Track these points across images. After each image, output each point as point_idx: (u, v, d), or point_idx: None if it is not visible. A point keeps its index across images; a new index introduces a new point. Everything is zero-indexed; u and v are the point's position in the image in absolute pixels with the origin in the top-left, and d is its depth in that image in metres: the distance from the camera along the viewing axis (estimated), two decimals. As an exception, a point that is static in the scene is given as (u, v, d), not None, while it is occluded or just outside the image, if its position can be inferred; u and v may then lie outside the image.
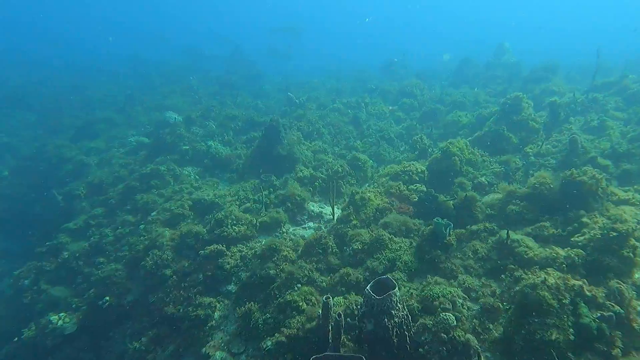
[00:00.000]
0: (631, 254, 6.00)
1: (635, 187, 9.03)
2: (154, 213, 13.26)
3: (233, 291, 9.56)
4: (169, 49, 61.30)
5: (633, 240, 6.15)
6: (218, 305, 9.39)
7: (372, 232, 9.02)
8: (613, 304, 5.34)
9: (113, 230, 13.48)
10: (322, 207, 12.57)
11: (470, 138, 13.20)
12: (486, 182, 10.04)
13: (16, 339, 11.15)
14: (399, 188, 10.43)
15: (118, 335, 10.73)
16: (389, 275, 7.03)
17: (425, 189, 10.01)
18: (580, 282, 5.42)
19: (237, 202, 12.71)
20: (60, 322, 11.24)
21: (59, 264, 12.86)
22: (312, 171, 13.65)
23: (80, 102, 28.64)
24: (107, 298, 11.14)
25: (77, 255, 12.86)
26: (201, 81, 34.98)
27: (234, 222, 11.33)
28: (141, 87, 34.02)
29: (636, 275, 6.21)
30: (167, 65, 44.41)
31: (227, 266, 10.09)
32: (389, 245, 8.45)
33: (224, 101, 24.61)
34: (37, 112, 29.20)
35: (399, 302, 6.03)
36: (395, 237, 8.73)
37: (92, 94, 31.80)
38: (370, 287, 6.17)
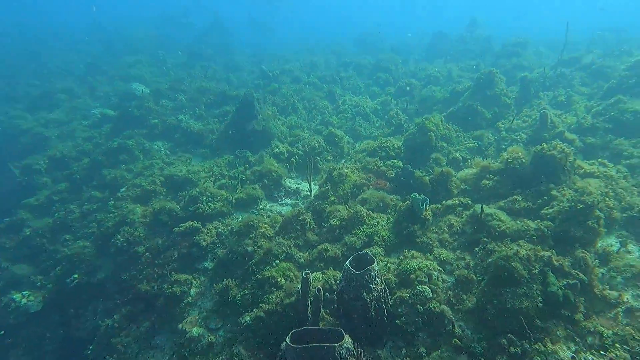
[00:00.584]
0: (595, 224, 6.39)
1: (599, 160, 9.52)
2: (123, 189, 12.73)
3: (210, 268, 9.46)
4: (138, 16, 57.39)
5: (597, 211, 6.53)
6: (194, 282, 9.29)
7: (350, 208, 9.09)
8: (578, 272, 5.72)
9: (79, 207, 12.87)
10: (299, 184, 12.51)
11: (444, 113, 13.37)
12: (460, 158, 10.29)
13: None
14: (376, 164, 10.50)
15: (89, 312, 10.47)
16: (367, 251, 7.16)
17: (401, 165, 10.14)
18: (549, 253, 5.75)
19: (212, 179, 12.40)
20: (24, 301, 10.81)
21: (20, 241, 12.22)
22: (288, 147, 13.47)
23: (37, 71, 26.45)
24: (76, 276, 10.76)
25: (40, 232, 12.24)
26: (169, 51, 33.15)
27: (209, 198, 11.09)
28: (103, 55, 31.80)
29: (599, 244, 6.66)
30: (132, 33, 41.61)
31: (203, 243, 9.93)
32: (367, 221, 8.56)
33: (194, 73, 23.53)
34: (-15, 79, 26.87)
35: (377, 277, 6.18)
36: (372, 212, 8.85)
37: (50, 60, 29.45)
38: (349, 262, 6.27)
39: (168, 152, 15.41)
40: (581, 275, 5.68)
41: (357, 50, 35.23)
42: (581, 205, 6.47)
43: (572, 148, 8.54)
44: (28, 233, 12.06)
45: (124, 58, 28.40)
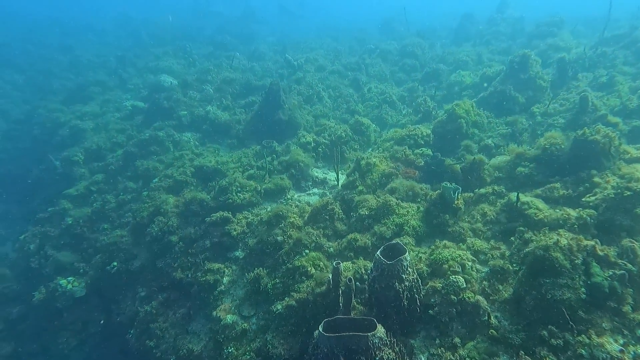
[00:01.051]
0: None
1: None
2: (156, 180, 13.14)
3: (241, 257, 9.69)
4: (164, 6, 58.26)
5: None
6: (226, 270, 9.55)
7: (379, 197, 9.02)
8: (625, 262, 5.46)
9: (115, 197, 13.42)
10: (326, 173, 12.51)
11: (475, 99, 12.92)
12: (492, 145, 9.95)
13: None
14: (404, 152, 10.34)
15: (128, 298, 10.98)
16: (398, 240, 7.12)
17: (431, 153, 9.92)
18: (592, 242, 5.50)
19: (240, 169, 12.58)
20: (69, 286, 11.47)
21: (63, 230, 12.89)
22: (314, 136, 13.46)
23: (70, 63, 27.43)
24: (115, 263, 11.28)
25: (81, 221, 12.87)
26: (194, 42, 33.55)
27: (239, 189, 11.28)
28: (131, 47, 32.55)
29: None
30: (158, 24, 42.32)
31: (234, 233, 10.15)
32: (397, 210, 8.48)
33: (220, 63, 23.72)
34: (25, 73, 28.08)
35: (409, 267, 6.14)
36: (402, 202, 8.75)
37: (82, 53, 30.43)
38: (380, 252, 6.25)
39: (197, 142, 15.73)
40: (629, 265, 5.41)
41: (382, 36, 34.44)
42: (628, 192, 6.13)
43: (617, 132, 8.00)
44: (70, 222, 12.70)
45: (152, 50, 29.02)
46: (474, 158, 8.54)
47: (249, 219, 10.62)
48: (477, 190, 8.23)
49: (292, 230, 9.11)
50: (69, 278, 11.42)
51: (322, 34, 39.87)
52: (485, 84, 14.14)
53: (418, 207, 8.41)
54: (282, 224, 9.31)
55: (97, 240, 12.09)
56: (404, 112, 15.60)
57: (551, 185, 7.52)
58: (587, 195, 6.93)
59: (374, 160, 10.20)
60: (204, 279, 9.33)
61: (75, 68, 26.08)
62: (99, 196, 13.46)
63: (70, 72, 25.42)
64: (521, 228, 6.72)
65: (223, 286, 9.20)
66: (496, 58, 19.00)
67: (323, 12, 54.68)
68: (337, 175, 11.39)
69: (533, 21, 23.76)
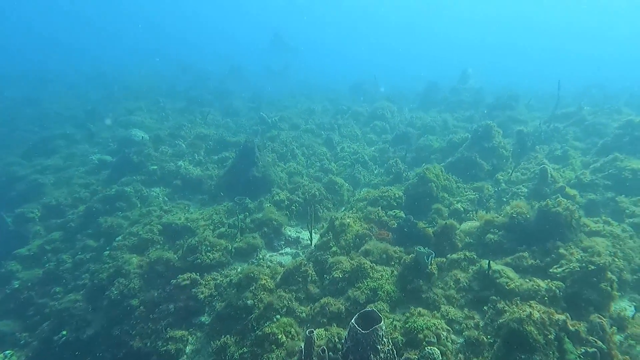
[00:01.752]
0: (609, 287, 6.28)
1: (603, 217, 9.57)
2: (120, 238, 12.46)
3: (207, 323, 9.06)
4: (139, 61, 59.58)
5: (609, 273, 6.46)
6: (190, 338, 8.85)
7: (353, 259, 8.94)
8: (596, 339, 5.52)
9: (72, 256, 12.49)
10: (299, 232, 12.37)
11: (443, 163, 13.61)
12: (462, 209, 10.31)
13: None
14: (377, 214, 10.48)
15: (76, 374, 9.81)
16: (372, 307, 6.95)
17: (404, 215, 10.12)
18: (563, 317, 5.58)
19: (211, 227, 12.24)
20: (6, 362, 10.15)
21: (7, 295, 11.68)
22: (288, 194, 13.47)
23: (35, 116, 26.67)
24: (64, 332, 10.20)
25: (30, 284, 11.77)
26: (167, 96, 34.03)
27: (208, 248, 10.88)
28: (102, 100, 32.41)
29: (613, 308, 6.50)
30: (132, 78, 42.91)
31: (201, 296, 9.59)
32: (371, 274, 8.39)
33: (194, 119, 23.99)
34: (-16, 126, 26.96)
35: (384, 336, 5.94)
36: (376, 265, 8.70)
37: (49, 106, 29.85)
38: (355, 320, 6.04)
39: (166, 198, 15.31)
40: (599, 342, 5.49)
41: (353, 95, 36.51)
42: (592, 267, 6.42)
43: (575, 204, 8.58)
44: (17, 285, 11.59)
45: (124, 103, 29.01)
46: (446, 223, 8.77)
47: (218, 281, 10.12)
48: (449, 255, 8.35)
49: (263, 293, 8.73)
50: (7, 352, 10.14)
51: (296, 93, 41.67)
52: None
53: (392, 271, 8.36)
54: (253, 287, 8.92)
55: (47, 306, 11.00)
56: (375, 171, 16.11)
57: (520, 254, 7.79)
58: (554, 267, 7.21)
59: (348, 220, 10.24)
60: (165, 348, 8.58)
61: (41, 121, 25.30)
62: (54, 256, 12.50)
63: (35, 124, 24.59)
64: (494, 297, 6.78)
65: (186, 356, 8.48)
66: (460, 125, 20.54)
67: (302, 73, 57.48)
68: (311, 235, 11.28)
69: (491, 92, 26.54)
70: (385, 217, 10.35)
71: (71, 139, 21.02)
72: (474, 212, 10.21)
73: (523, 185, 11.15)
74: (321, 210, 12.88)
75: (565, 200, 8.00)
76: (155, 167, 16.33)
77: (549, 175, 10.15)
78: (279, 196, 13.21)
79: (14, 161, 18.18)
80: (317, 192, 13.07)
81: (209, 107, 29.66)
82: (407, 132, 18.60)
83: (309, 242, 11.53)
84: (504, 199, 10.97)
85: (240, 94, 43.88)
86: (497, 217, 8.74)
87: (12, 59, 61.41)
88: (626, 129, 13.37)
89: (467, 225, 9.28)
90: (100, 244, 12.75)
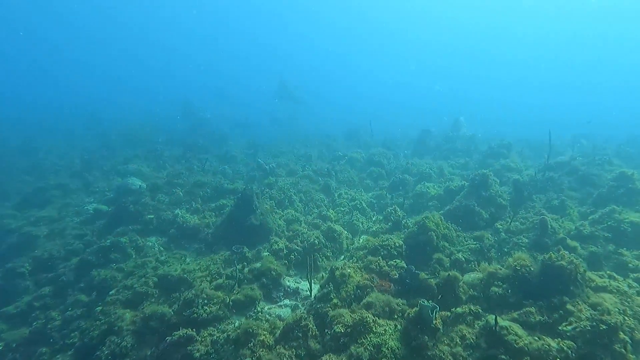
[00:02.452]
0: (623, 350, 6.09)
1: (608, 272, 9.49)
2: (113, 291, 12.03)
3: (203, 385, 8.55)
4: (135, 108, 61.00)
5: (622, 334, 6.30)
6: (185, 403, 8.31)
7: (355, 313, 8.67)
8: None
9: (61, 313, 11.95)
10: (298, 282, 12.08)
11: (442, 211, 13.70)
12: (463, 259, 10.21)
13: None
14: (378, 264, 10.33)
15: None
16: (379, 365, 6.65)
17: (405, 265, 9.98)
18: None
19: (208, 278, 11.92)
20: None
21: (-11, 358, 11.02)
22: (287, 242, 13.32)
23: (30, 166, 26.67)
24: (48, 399, 9.52)
25: (14, 345, 11.13)
26: (165, 143, 34.54)
27: (205, 301, 10.50)
28: (99, 149, 32.72)
29: (628, 371, 6.26)
30: (128, 124, 43.60)
31: (197, 354, 9.10)
32: (374, 329, 8.09)
33: (191, 166, 24.19)
34: (-22, 177, 26.79)
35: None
36: (379, 318, 8.43)
37: (45, 156, 30.03)
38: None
39: (162, 248, 15.03)
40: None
41: (348, 142, 37.37)
42: (604, 326, 6.28)
43: (577, 256, 8.53)
44: (0, 348, 10.96)
45: (121, 151, 29.31)
46: (449, 274, 8.65)
47: (215, 337, 9.67)
48: (453, 309, 8.14)
49: (262, 351, 8.35)
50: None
51: (292, 139, 42.56)
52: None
53: (395, 325, 8.09)
54: (251, 343, 8.55)
55: (31, 369, 10.34)
56: (373, 218, 16.10)
57: (527, 309, 7.58)
58: (563, 324, 7.02)
59: (349, 270, 10.05)
60: (158, 415, 8.00)
61: (36, 171, 25.26)
62: (42, 313, 11.95)
63: (30, 174, 24.54)
64: (503, 357, 6.52)
65: None
66: (456, 172, 21.02)
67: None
68: (310, 285, 11.01)
69: (483, 140, 27.69)
70: (387, 267, 10.19)
71: (66, 189, 20.89)
72: (476, 263, 10.12)
73: (524, 236, 11.16)
74: (320, 259, 12.67)
75: (569, 254, 7.98)
76: (152, 216, 16.19)
77: (549, 226, 10.23)
78: (278, 245, 13.05)
79: (6, 213, 17.90)
80: (316, 241, 12.94)
81: (206, 154, 30.06)
82: (404, 178, 18.88)
83: (308, 292, 11.23)
84: (505, 249, 10.94)
85: (237, 139, 44.74)
86: (500, 269, 8.63)
87: (10, 104, 62.68)
88: (620, 181, 13.90)
89: (470, 277, 9.14)
90: (92, 298, 12.26)
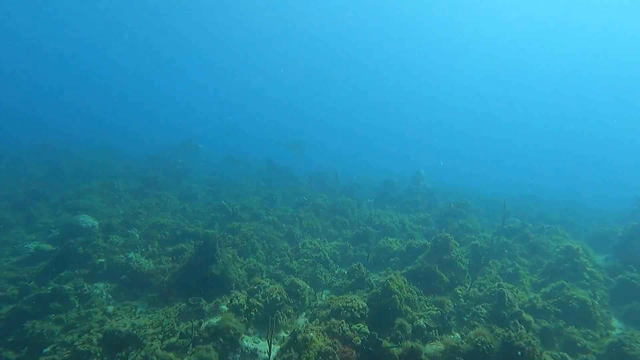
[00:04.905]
0: None
1: (561, 353, 9.93)
2: (48, 349, 10.80)
3: None
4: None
5: None
6: None
7: (318, 383, 8.39)
8: None
9: (-20, 376, 10.50)
10: (257, 342, 11.53)
11: (404, 271, 13.97)
12: (424, 326, 10.33)
13: None
14: (341, 327, 10.17)
15: None
16: None
17: (368, 331, 9.91)
18: None
19: (160, 335, 11.10)
20: None
21: None
22: (247, 297, 12.85)
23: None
24: None
25: None
26: (121, 177, 32.95)
27: (155, 365, 9.72)
28: (48, 178, 30.56)
29: None
30: (81, 155, 41.40)
31: None
32: (337, 403, 7.85)
33: (149, 203, 23.14)
34: None
35: None
36: (342, 390, 8.20)
37: (-18, 185, 27.48)
38: None
39: (110, 296, 13.93)
40: None
41: (312, 185, 37.74)
42: None
43: (534, 336, 8.88)
44: None
45: (73, 183, 27.52)
46: (412, 346, 8.69)
47: (163, 408, 8.89)
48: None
49: None
50: None
51: (257, 177, 42.31)
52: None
53: (360, 398, 7.90)
54: (205, 418, 7.93)
55: None
56: (336, 271, 16.05)
57: None
58: None
59: (311, 335, 9.81)
60: None
61: (-30, 201, 23.01)
62: (-41, 375, 10.44)
63: (-38, 206, 22.27)
64: None
65: None
66: (416, 227, 21.80)
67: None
68: (270, 349, 10.55)
69: (442, 193, 29.39)
70: (350, 332, 10.05)
71: (5, 223, 19.07)
72: (436, 331, 10.31)
73: (482, 306, 11.60)
74: (281, 316, 12.29)
75: (527, 333, 8.36)
76: (103, 260, 15.09)
77: (507, 299, 10.76)
78: (238, 300, 12.53)
79: None
80: (278, 297, 12.59)
81: (165, 190, 29.00)
82: (367, 231, 19.21)
83: (267, 355, 10.73)
84: (465, 318, 11.28)
85: (198, 174, 43.76)
86: (462, 343, 8.82)
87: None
88: (566, 254, 15.17)
89: (431, 349, 9.23)
90: (22, 356, 10.91)
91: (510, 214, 25.06)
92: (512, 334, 8.18)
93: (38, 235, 18.46)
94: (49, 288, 12.99)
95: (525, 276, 14.74)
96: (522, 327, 9.85)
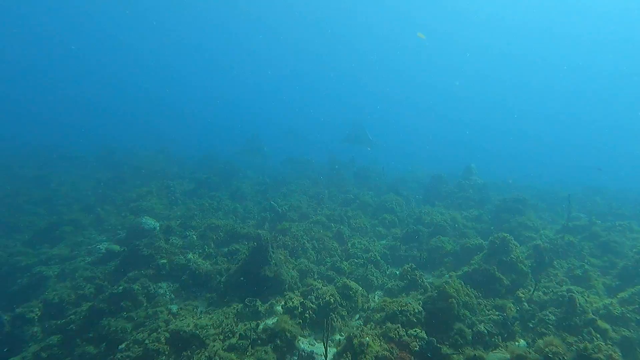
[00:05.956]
0: None
1: None
2: (123, 346, 11.70)
3: None
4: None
5: None
6: None
7: (377, 390, 8.36)
8: None
9: (67, 366, 11.63)
10: (312, 345, 11.72)
11: (460, 272, 13.48)
12: (486, 332, 9.90)
13: None
14: (398, 332, 10.04)
15: None
16: None
17: (425, 337, 9.68)
18: None
19: (221, 336, 11.62)
20: None
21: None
22: (301, 299, 13.07)
23: (44, 197, 26.74)
24: None
25: (18, 402, 10.78)
26: (176, 178, 34.81)
27: (219, 365, 10.19)
28: (112, 181, 32.98)
29: None
30: (139, 158, 44.21)
31: None
32: (398, 411, 7.77)
33: (203, 204, 24.25)
34: (-9, 208, 26.82)
35: None
36: (403, 399, 8.11)
37: (57, 187, 30.25)
38: None
39: (173, 295, 14.81)
40: None
41: (357, 181, 37.52)
42: None
43: (609, 342, 8.17)
44: (5, 402, 10.62)
45: (134, 186, 29.48)
46: (474, 354, 8.38)
47: (226, 407, 9.32)
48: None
49: None
50: None
51: (301, 174, 42.80)
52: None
53: (421, 408, 7.76)
54: (268, 419, 8.20)
55: None
56: (387, 272, 15.85)
57: None
58: None
59: (367, 339, 9.78)
60: None
61: (48, 203, 25.36)
62: (48, 366, 11.64)
63: (42, 207, 24.59)
64: None
65: None
66: (469, 225, 20.88)
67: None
68: (326, 352, 10.67)
69: (494, 188, 27.78)
70: (406, 337, 9.89)
71: (79, 225, 20.90)
72: (498, 337, 9.82)
73: (549, 312, 10.86)
74: (335, 319, 12.36)
75: (606, 346, 7.73)
76: (165, 260, 16.05)
77: (578, 305, 9.99)
78: (292, 302, 12.79)
79: (18, 250, 17.87)
80: (331, 299, 12.67)
81: (216, 191, 30.20)
82: (418, 229, 18.74)
83: (323, 358, 10.87)
84: (530, 325, 10.62)
85: (245, 172, 45.06)
86: (530, 353, 8.34)
87: (24, 134, 64.07)
88: None
89: (495, 357, 8.82)
90: (101, 351, 11.96)
91: (574, 209, 23.26)
92: (589, 346, 7.59)
93: (107, 235, 20.07)
94: (120, 287, 14.07)
95: (597, 279, 13.49)
96: (598, 335, 9.11)
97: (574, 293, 10.67)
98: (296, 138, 64.60)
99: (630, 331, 10.07)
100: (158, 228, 18.93)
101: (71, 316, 13.48)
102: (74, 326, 13.00)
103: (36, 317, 13.44)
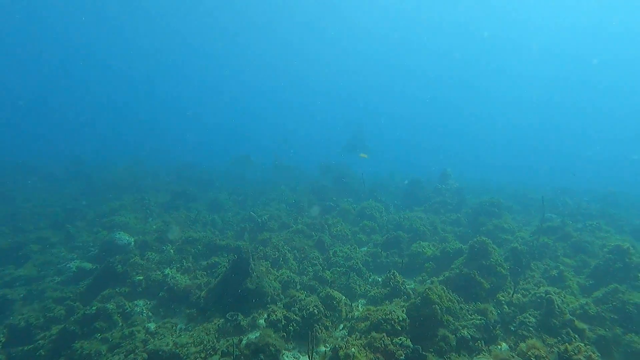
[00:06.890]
0: None
1: None
2: (97, 370, 11.16)
3: None
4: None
5: None
6: None
7: (365, 402, 8.26)
8: None
9: (36, 396, 10.93)
10: (297, 358, 11.50)
11: (440, 277, 13.63)
12: (469, 337, 10.01)
13: None
14: (383, 341, 10.00)
15: None
16: None
17: (411, 345, 9.68)
18: None
19: (203, 354, 11.23)
20: None
21: None
22: (284, 311, 12.84)
23: (8, 214, 25.33)
24: None
25: None
26: (150, 190, 33.81)
27: (201, 386, 9.83)
28: (82, 195, 31.67)
29: None
30: (112, 169, 42.76)
31: None
32: (387, 423, 7.69)
33: (180, 217, 23.60)
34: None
35: None
36: (391, 410, 8.04)
37: (22, 203, 28.72)
38: None
39: (150, 313, 14.24)
40: None
41: (336, 185, 37.58)
42: None
43: (591, 346, 8.37)
44: None
45: (106, 200, 28.36)
46: (461, 361, 8.44)
47: None
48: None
49: None
50: None
51: (279, 180, 42.54)
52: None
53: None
54: None
55: None
56: (370, 279, 15.84)
57: None
58: None
59: (353, 350, 9.69)
60: None
61: (13, 220, 23.98)
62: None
63: (5, 225, 23.22)
64: None
65: None
66: (448, 229, 21.25)
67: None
68: (312, 364, 10.48)
69: (470, 191, 28.50)
70: (392, 346, 9.85)
71: (47, 243, 19.85)
72: (482, 342, 9.95)
73: (530, 314, 11.12)
74: (319, 330, 12.20)
75: (585, 347, 7.95)
76: (141, 277, 15.47)
77: (556, 307, 10.27)
78: (275, 315, 12.53)
79: (-21, 272, 16.78)
80: (315, 310, 12.51)
81: (193, 202, 29.53)
82: (398, 235, 18.89)
83: (309, 372, 10.68)
84: (512, 328, 10.83)
85: (223, 182, 44.37)
86: (513, 357, 8.48)
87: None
88: (616, 254, 14.09)
89: (482, 363, 8.94)
90: (73, 377, 11.31)
91: (546, 210, 24.15)
92: (569, 347, 7.79)
93: (78, 253, 19.14)
94: (94, 308, 13.40)
95: (572, 279, 13.97)
96: (576, 336, 9.38)
97: (551, 294, 10.98)
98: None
99: (605, 330, 10.44)
100: (133, 243, 18.25)
101: (39, 341, 12.71)
102: (42, 351, 12.25)
103: (0, 343, 12.60)
